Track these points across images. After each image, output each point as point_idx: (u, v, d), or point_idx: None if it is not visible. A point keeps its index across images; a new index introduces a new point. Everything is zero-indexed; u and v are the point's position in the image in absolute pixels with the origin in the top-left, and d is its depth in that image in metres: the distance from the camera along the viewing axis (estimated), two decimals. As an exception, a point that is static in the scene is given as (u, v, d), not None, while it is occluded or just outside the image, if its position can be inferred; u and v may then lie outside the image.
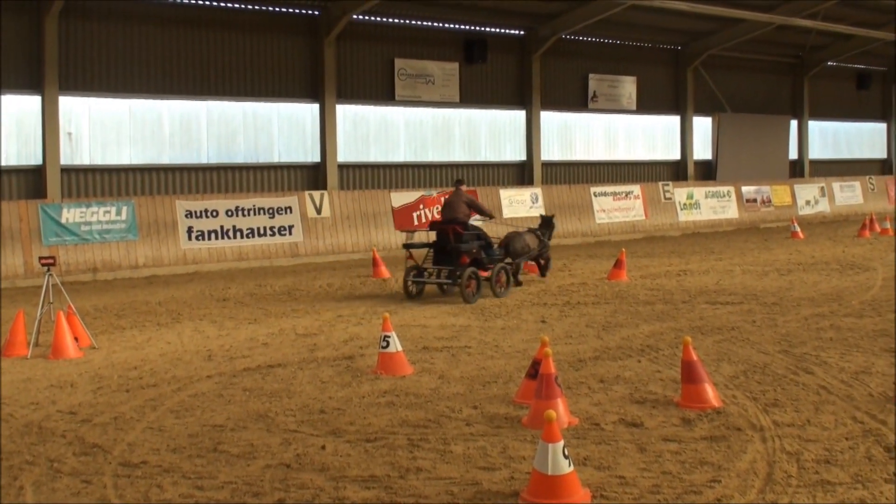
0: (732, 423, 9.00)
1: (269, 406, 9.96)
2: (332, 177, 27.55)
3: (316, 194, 26.44)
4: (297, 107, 27.36)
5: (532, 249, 19.78)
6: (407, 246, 18.65)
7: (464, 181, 19.79)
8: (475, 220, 19.73)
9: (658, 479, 7.51)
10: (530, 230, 20.31)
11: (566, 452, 6.97)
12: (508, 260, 19.07)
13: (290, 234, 25.59)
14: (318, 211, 26.24)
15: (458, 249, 17.72)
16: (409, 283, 18.12)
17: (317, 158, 27.64)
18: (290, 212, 25.71)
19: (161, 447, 8.58)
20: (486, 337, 13.87)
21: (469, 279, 17.48)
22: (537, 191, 31.44)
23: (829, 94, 44.49)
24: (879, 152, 48.04)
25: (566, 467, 6.93)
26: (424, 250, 18.73)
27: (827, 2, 34.03)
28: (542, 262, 20.54)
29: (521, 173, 32.59)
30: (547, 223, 20.95)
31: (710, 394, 9.67)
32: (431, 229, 18.82)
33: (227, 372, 11.72)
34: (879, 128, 47.90)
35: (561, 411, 8.88)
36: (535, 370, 9.50)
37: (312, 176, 27.62)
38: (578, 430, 8.86)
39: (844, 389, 10.23)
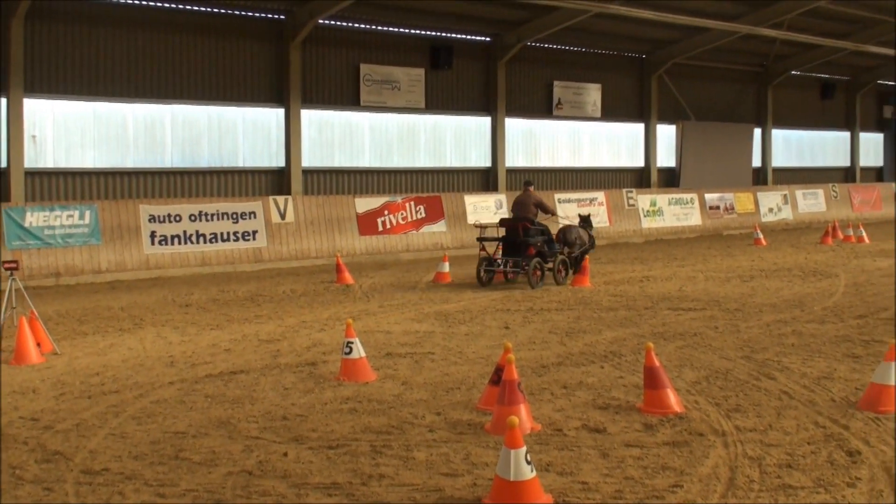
0: (694, 429, 9.05)
1: (231, 413, 9.92)
2: (297, 182, 27.47)
3: (280, 199, 26.35)
4: (262, 111, 27.25)
5: (584, 242, 22.02)
6: (480, 239, 21.13)
7: (532, 182, 22.19)
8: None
9: (620, 485, 7.54)
10: (580, 225, 22.58)
11: (528, 458, 6.99)
12: (567, 251, 21.49)
13: (254, 239, 25.49)
14: (282, 216, 26.15)
15: (527, 242, 20.46)
16: (482, 271, 20.56)
17: (281, 163, 27.54)
18: (254, 217, 25.61)
19: (123, 454, 8.52)
20: (450, 343, 13.87)
21: (535, 268, 20.17)
22: (502, 197, 31.50)
23: (793, 103, 44.80)
24: (843, 160, 48.45)
25: (528, 473, 6.95)
26: (495, 243, 21.21)
27: (791, 12, 34.26)
28: (587, 255, 22.24)
29: (485, 179, 32.64)
30: (586, 220, 23.12)
31: (673, 399, 9.72)
32: (502, 225, 21.25)
33: (190, 378, 11.66)
34: (843, 136, 48.30)
35: (523, 417, 8.91)
36: (498, 376, 9.52)
37: (277, 181, 27.53)
38: (541, 436, 8.88)
39: (806, 395, 10.32)
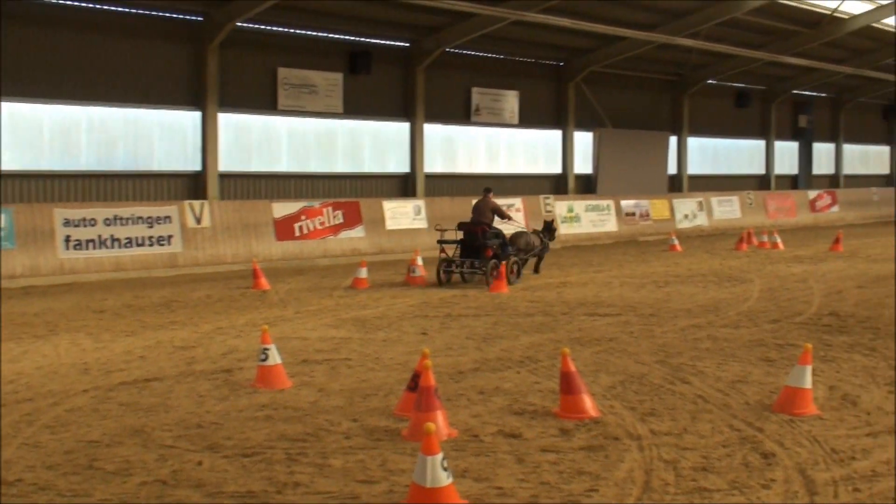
0: (610, 433, 9.12)
1: (145, 421, 9.78)
2: (213, 186, 27.18)
3: (196, 204, 26.01)
4: (178, 114, 26.91)
5: (535, 247, 23.52)
6: (441, 242, 22.18)
7: (491, 189, 23.62)
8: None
9: (536, 490, 7.58)
10: (534, 231, 24.18)
11: (445, 465, 6.98)
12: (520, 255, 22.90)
13: (169, 244, 25.14)
14: (198, 221, 25.80)
15: (485, 245, 21.71)
16: (441, 272, 21.72)
17: (197, 167, 27.24)
18: (170, 221, 25.24)
19: (36, 464, 8.36)
20: (367, 349, 13.83)
21: (493, 269, 21.18)
22: (420, 203, 31.49)
23: (709, 112, 45.42)
24: (758, 168, 49.28)
25: (444, 480, 6.95)
26: (454, 246, 22.30)
27: (708, 22, 34.74)
28: (539, 259, 24.17)
29: (404, 185, 32.63)
30: (548, 227, 24.80)
31: (588, 404, 9.79)
32: (460, 229, 22.37)
33: (104, 386, 11.48)
34: (758, 145, 49.13)
35: (440, 423, 8.91)
36: (415, 382, 9.51)
37: (193, 185, 27.22)
38: (458, 442, 8.89)
39: (721, 398, 10.46)
